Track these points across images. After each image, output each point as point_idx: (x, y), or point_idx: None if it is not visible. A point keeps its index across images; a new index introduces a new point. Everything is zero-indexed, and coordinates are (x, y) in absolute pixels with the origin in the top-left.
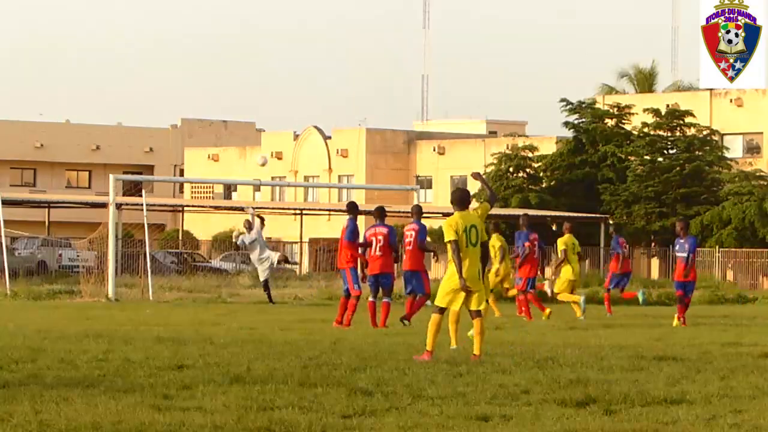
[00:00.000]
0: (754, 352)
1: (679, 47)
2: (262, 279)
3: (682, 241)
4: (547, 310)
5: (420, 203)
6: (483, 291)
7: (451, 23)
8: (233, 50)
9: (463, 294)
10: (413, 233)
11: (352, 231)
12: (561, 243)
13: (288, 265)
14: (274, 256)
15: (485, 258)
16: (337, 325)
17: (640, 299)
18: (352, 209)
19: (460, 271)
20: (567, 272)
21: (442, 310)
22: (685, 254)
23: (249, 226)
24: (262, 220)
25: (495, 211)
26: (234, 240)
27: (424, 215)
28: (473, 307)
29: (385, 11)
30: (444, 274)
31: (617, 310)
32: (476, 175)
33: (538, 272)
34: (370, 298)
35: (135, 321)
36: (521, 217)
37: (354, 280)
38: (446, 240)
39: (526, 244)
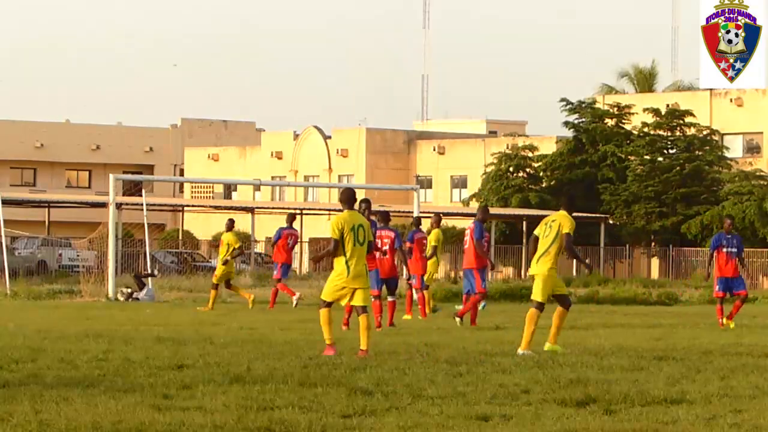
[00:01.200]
0: (754, 352)
1: (679, 47)
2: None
3: (729, 237)
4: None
5: (419, 203)
6: (368, 288)
7: (451, 23)
8: (233, 50)
9: (348, 291)
10: (470, 232)
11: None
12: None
13: None
14: None
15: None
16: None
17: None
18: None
19: (319, 257)
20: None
21: (329, 304)
22: (735, 250)
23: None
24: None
25: (495, 210)
26: None
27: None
28: (358, 303)
29: (385, 11)
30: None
31: (619, 311)
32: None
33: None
34: (373, 298)
35: (135, 321)
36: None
37: None
38: (331, 237)
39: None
